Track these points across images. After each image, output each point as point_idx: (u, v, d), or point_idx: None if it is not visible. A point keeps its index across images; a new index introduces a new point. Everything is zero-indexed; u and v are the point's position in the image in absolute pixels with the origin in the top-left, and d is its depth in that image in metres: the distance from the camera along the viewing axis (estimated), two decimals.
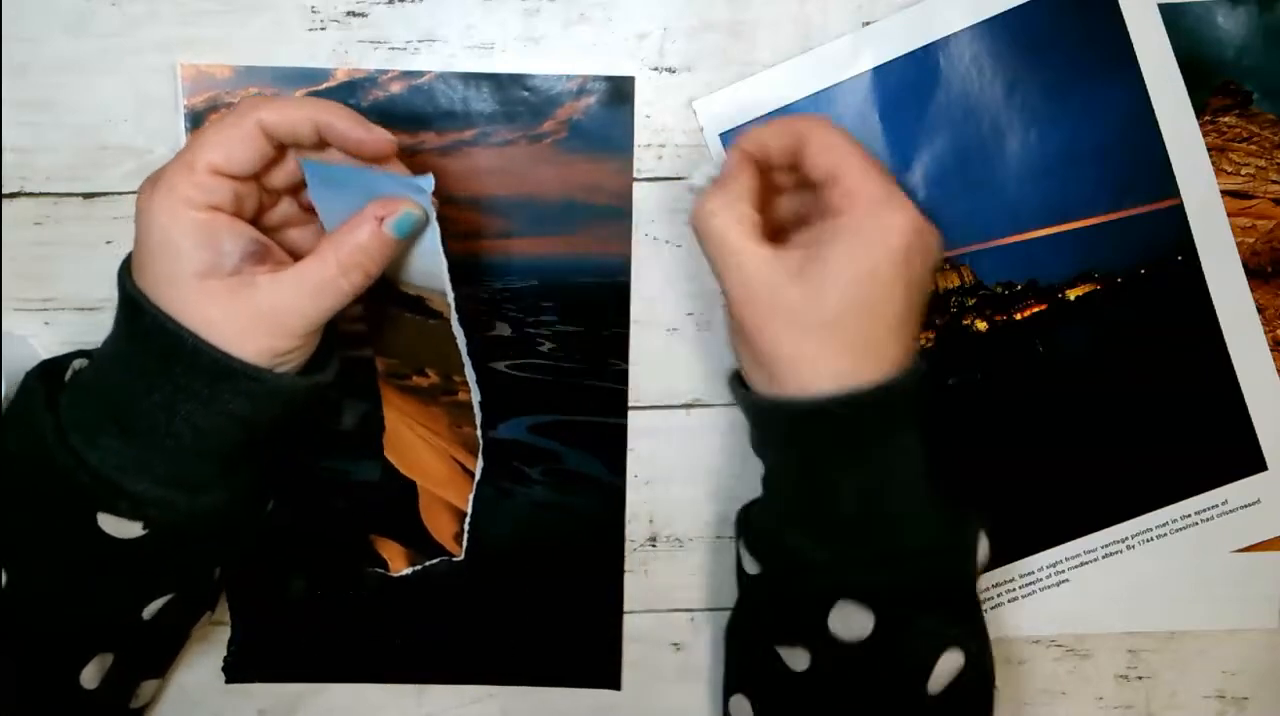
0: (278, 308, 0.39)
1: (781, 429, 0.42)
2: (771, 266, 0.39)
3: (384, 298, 0.45)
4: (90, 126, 0.47)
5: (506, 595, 0.50)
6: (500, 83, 0.48)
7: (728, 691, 0.46)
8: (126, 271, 0.40)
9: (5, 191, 0.48)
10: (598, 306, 0.49)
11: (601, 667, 0.51)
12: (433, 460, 0.48)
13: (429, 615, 0.50)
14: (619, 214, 0.49)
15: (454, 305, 0.42)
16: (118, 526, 0.40)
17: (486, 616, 0.50)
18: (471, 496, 0.48)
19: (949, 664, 0.41)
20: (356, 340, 0.48)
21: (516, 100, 0.48)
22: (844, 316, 0.39)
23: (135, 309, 0.39)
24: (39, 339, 0.48)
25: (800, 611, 0.42)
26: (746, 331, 0.40)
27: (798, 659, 0.42)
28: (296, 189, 0.43)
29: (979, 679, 0.42)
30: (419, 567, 0.49)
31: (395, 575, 0.50)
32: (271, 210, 0.43)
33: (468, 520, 0.48)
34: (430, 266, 0.42)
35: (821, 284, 0.39)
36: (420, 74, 0.47)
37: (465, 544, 0.49)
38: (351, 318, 0.48)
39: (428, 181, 0.39)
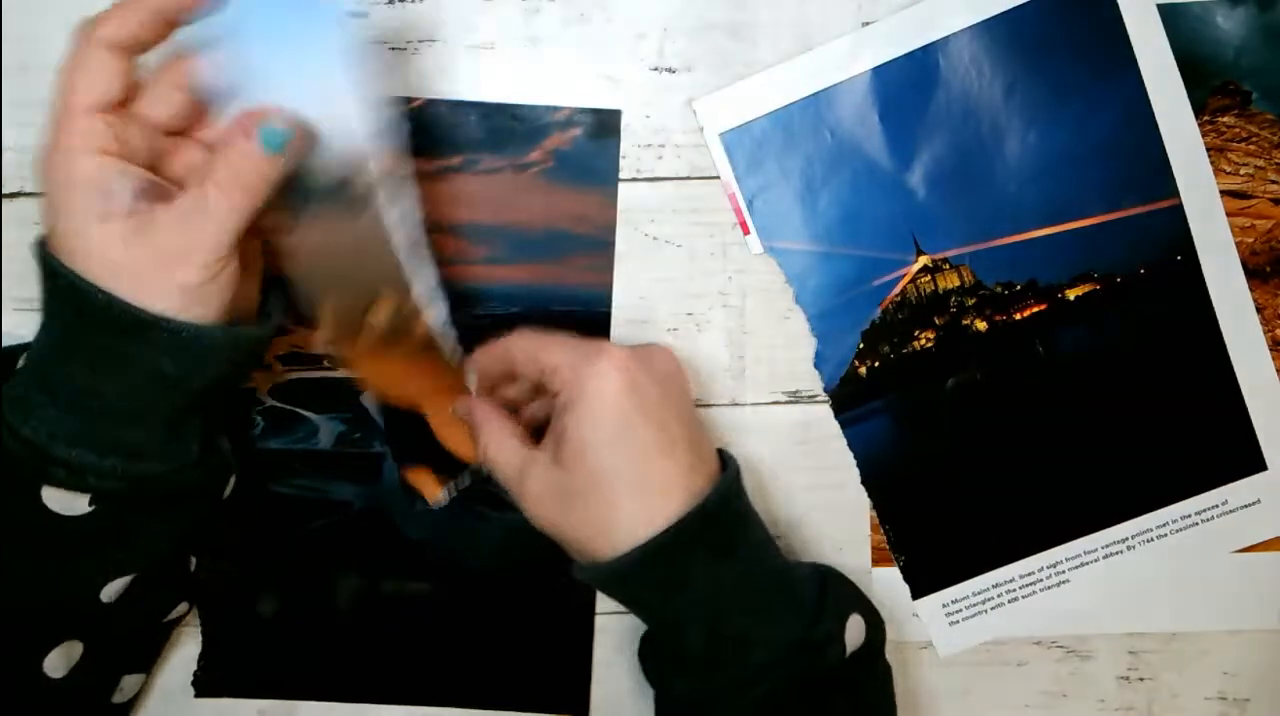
0: (176, 238, 0.38)
1: (616, 592, 0.43)
2: (537, 463, 0.42)
3: (303, 205, 0.42)
4: None
5: (479, 619, 0.50)
6: (487, 111, 0.48)
7: None
8: (43, 244, 0.40)
9: (5, 191, 0.48)
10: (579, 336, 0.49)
11: (570, 695, 0.51)
12: (427, 385, 0.48)
13: (401, 636, 0.50)
14: (602, 244, 0.49)
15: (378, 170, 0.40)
16: (63, 501, 0.39)
17: (458, 640, 0.50)
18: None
19: None
20: (331, 360, 0.49)
21: (504, 129, 0.48)
22: (607, 473, 0.40)
23: (50, 273, 0.39)
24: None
25: None
26: (546, 528, 0.42)
27: None
28: (192, 126, 0.42)
29: None
30: (452, 490, 0.50)
31: (433, 505, 0.50)
32: (173, 156, 0.42)
33: None
34: (349, 127, 0.39)
35: (572, 459, 0.41)
36: (408, 100, 0.48)
37: None
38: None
39: None
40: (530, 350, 0.44)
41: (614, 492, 0.40)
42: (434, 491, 0.50)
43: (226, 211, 0.38)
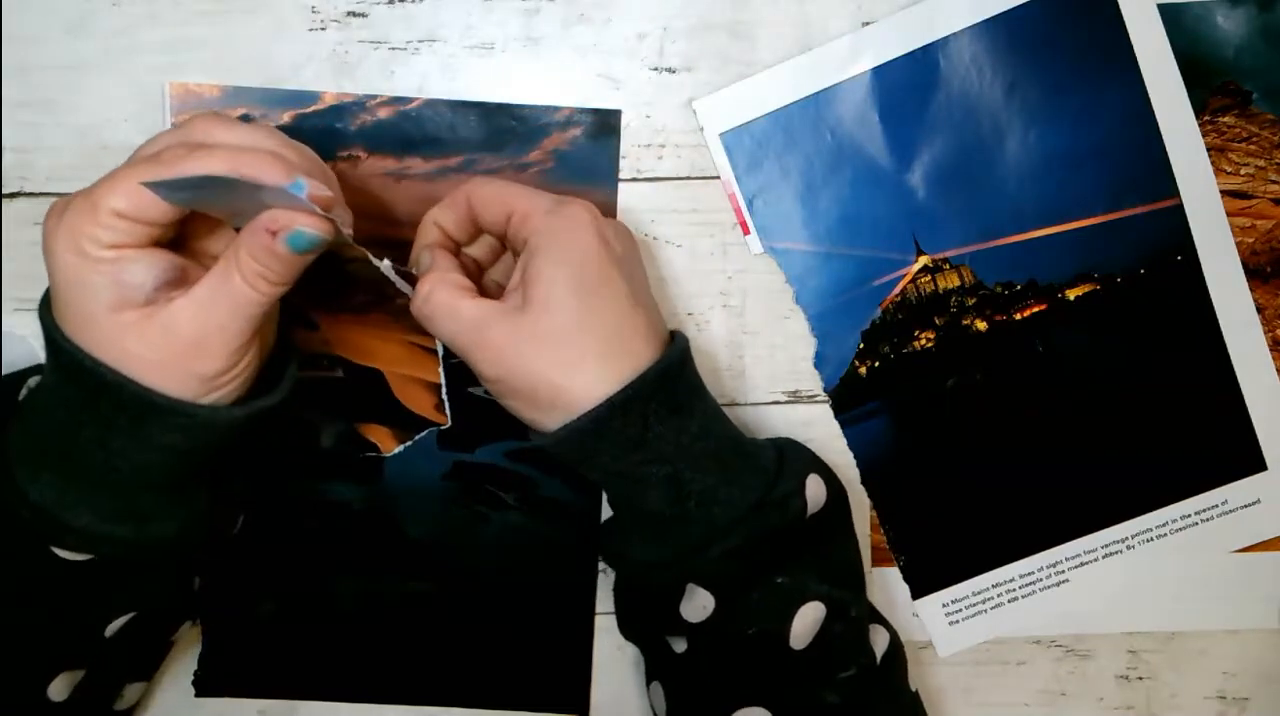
0: (192, 330, 0.36)
1: (581, 448, 0.40)
2: (503, 312, 0.40)
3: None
4: (90, 126, 0.47)
5: (479, 619, 0.50)
6: (488, 111, 0.48)
7: (648, 680, 0.47)
8: (46, 307, 0.38)
9: (5, 191, 0.48)
10: None
11: (570, 695, 0.51)
12: (389, 347, 0.48)
13: (401, 636, 0.50)
14: None
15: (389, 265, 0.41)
16: (70, 552, 0.39)
17: (459, 639, 0.50)
18: (441, 368, 0.48)
19: (808, 617, 0.42)
20: (327, 361, 0.49)
21: (504, 129, 0.48)
22: (583, 315, 0.39)
23: (55, 346, 0.37)
24: (39, 339, 0.48)
25: (658, 605, 0.43)
26: (510, 381, 0.40)
27: (677, 643, 0.43)
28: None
29: (847, 621, 0.43)
30: (410, 444, 0.49)
31: (385, 454, 0.49)
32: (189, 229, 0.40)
33: (444, 389, 0.48)
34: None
35: (547, 300, 0.39)
36: (408, 100, 0.48)
37: (449, 410, 0.49)
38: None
39: (298, 187, 0.36)
40: (495, 196, 0.42)
41: (587, 338, 0.39)
42: (390, 445, 0.50)
43: (252, 301, 0.37)
